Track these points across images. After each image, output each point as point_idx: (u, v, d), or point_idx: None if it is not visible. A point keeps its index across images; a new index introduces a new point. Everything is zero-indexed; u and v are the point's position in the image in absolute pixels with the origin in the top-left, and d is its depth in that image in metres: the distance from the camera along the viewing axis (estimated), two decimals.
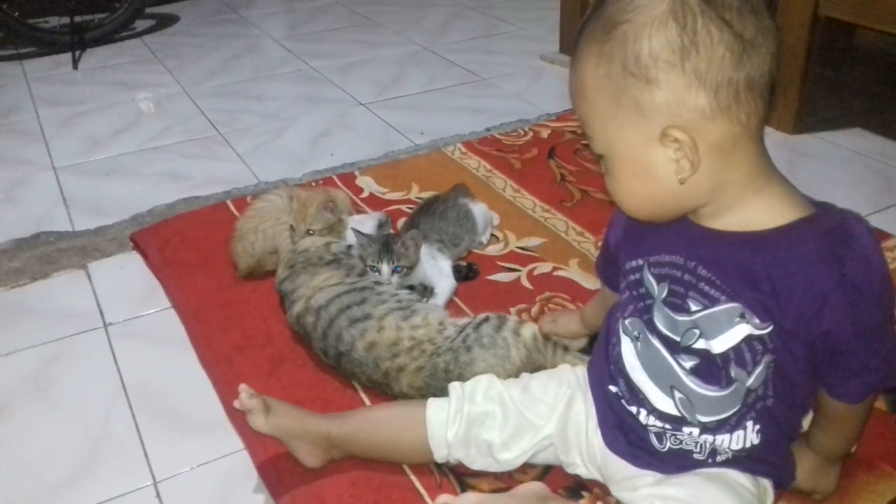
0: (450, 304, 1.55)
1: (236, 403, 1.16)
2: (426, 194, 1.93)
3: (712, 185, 0.84)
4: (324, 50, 3.16)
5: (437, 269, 1.59)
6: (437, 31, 3.32)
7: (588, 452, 1.10)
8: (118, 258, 1.80)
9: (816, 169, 2.06)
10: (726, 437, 0.96)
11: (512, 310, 1.52)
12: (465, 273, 1.64)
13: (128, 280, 1.72)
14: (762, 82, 0.79)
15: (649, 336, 0.97)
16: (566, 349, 1.33)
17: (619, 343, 1.02)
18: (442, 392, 1.26)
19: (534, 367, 1.31)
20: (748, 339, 0.88)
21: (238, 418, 1.31)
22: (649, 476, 1.02)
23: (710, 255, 0.88)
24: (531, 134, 2.27)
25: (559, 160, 2.11)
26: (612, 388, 1.04)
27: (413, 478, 1.18)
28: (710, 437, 0.97)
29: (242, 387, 1.15)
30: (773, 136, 2.19)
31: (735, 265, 0.86)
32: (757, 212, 0.85)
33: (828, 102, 2.37)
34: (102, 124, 2.54)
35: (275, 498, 1.17)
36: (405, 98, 2.66)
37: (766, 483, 1.02)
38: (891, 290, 0.87)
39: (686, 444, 0.98)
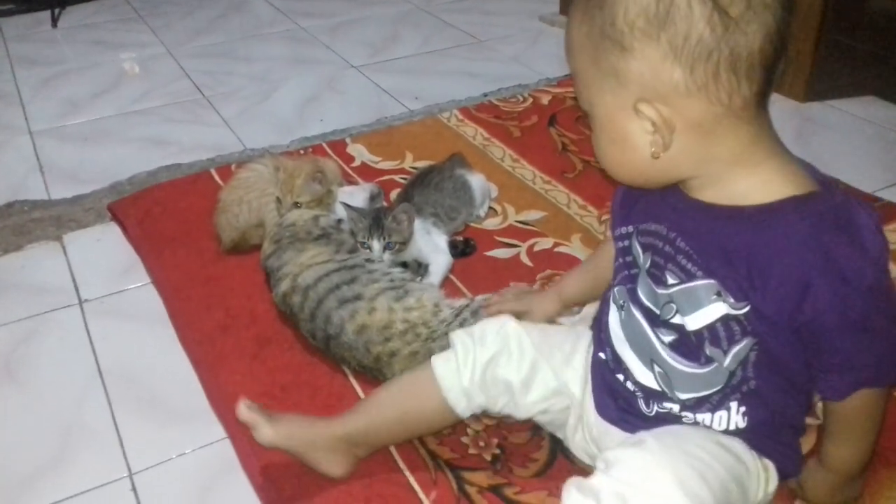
0: (445, 282, 1.47)
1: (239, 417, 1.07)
2: (421, 164, 1.83)
3: (694, 161, 0.79)
4: (314, 8, 3.03)
5: (432, 244, 1.50)
6: None
7: (587, 422, 1.04)
8: (95, 229, 1.71)
9: (827, 138, 1.97)
10: (707, 416, 0.92)
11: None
12: (462, 249, 1.55)
13: (105, 253, 1.63)
14: (749, 62, 0.72)
15: (632, 307, 0.93)
16: None
17: (608, 311, 0.99)
18: None
19: None
20: (725, 319, 0.84)
21: (220, 405, 1.24)
22: None
23: (691, 228, 0.84)
24: (531, 100, 2.17)
25: (560, 128, 2.02)
26: (601, 355, 1.01)
27: (407, 473, 1.11)
28: (689, 415, 0.93)
29: (242, 401, 1.07)
30: (782, 105, 2.10)
31: (713, 240, 0.82)
32: (748, 187, 0.80)
33: (839, 70, 2.27)
34: (82, 86, 2.43)
35: (259, 492, 1.10)
36: (399, 60, 2.55)
37: (769, 464, 0.95)
38: (889, 284, 0.80)
39: (672, 411, 0.94)
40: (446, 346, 1.18)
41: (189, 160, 1.95)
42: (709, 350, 0.86)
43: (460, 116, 2.09)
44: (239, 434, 1.18)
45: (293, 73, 2.49)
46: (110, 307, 1.48)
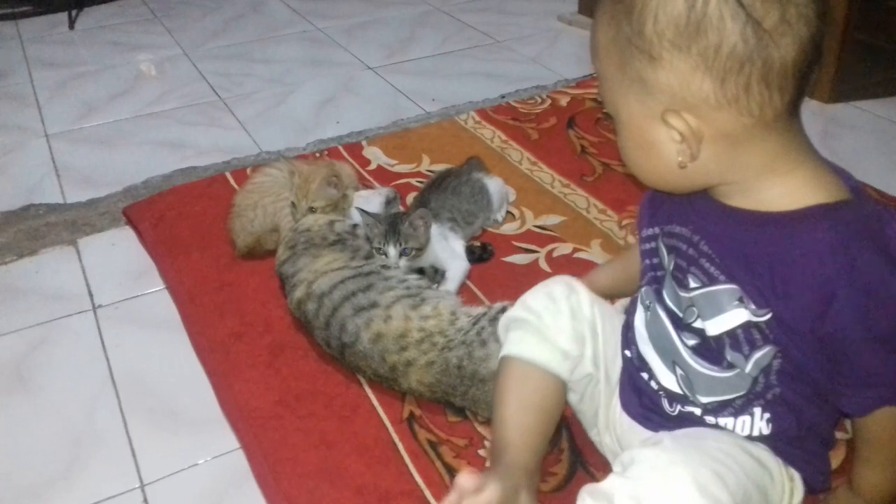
0: (462, 289, 1.44)
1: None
2: (437, 167, 1.81)
3: (723, 170, 0.77)
4: (330, 9, 3.01)
5: (448, 250, 1.48)
6: None
7: (610, 418, 1.03)
8: (110, 234, 1.69)
9: (853, 140, 1.93)
10: (730, 420, 0.89)
11: None
12: (479, 254, 1.52)
13: (119, 258, 1.62)
14: (782, 74, 0.69)
15: (658, 308, 0.91)
16: None
17: (635, 311, 0.97)
18: (454, 389, 1.16)
19: None
20: (746, 326, 0.81)
21: (233, 414, 1.22)
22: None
23: (716, 232, 0.82)
24: (549, 101, 2.14)
25: (579, 130, 1.98)
26: (627, 353, 1.00)
27: (423, 487, 1.08)
28: (711, 419, 0.90)
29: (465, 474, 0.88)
30: (807, 105, 2.06)
31: (737, 245, 0.80)
32: (777, 194, 0.77)
33: (865, 70, 2.23)
34: (98, 88, 2.42)
35: None
36: (415, 62, 2.53)
37: (795, 474, 0.92)
38: None
39: (694, 414, 0.92)
40: (463, 357, 1.17)
41: (205, 163, 1.93)
42: (729, 356, 0.84)
43: (477, 118, 2.06)
44: (252, 444, 1.16)
45: (309, 74, 2.47)
46: (124, 313, 1.47)
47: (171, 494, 1.12)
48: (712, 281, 0.82)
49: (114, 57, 2.66)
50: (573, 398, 1.06)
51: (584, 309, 1.03)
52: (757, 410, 0.88)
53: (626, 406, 0.99)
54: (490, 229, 1.61)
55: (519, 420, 0.99)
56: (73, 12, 2.96)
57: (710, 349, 0.86)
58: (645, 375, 0.96)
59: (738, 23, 0.67)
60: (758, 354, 0.83)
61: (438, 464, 1.12)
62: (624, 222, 1.61)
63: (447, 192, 1.55)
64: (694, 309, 0.86)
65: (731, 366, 0.85)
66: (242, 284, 1.49)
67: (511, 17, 2.86)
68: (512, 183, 1.74)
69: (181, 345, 1.38)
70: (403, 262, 1.40)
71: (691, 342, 0.88)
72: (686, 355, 0.88)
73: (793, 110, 0.74)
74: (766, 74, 0.69)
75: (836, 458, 1.08)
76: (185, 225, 1.66)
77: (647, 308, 0.94)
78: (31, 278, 1.57)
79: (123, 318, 1.45)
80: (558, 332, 1.01)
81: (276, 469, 1.12)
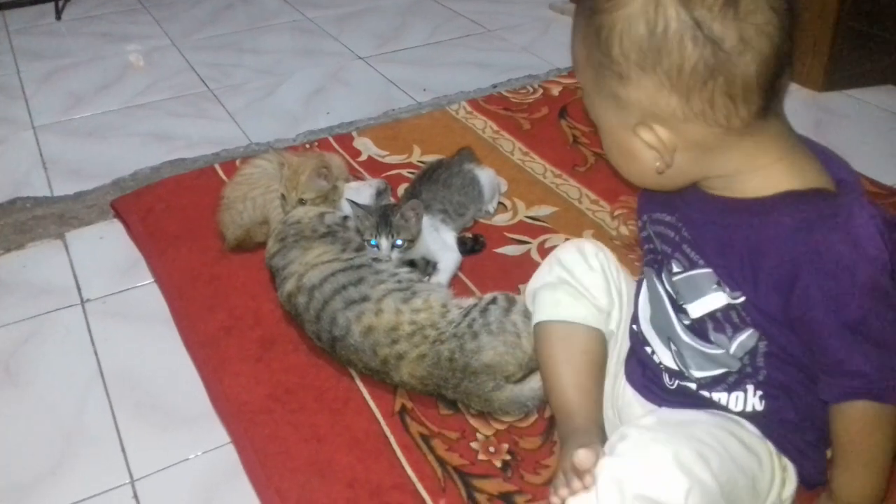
0: (454, 280, 1.43)
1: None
2: (429, 158, 1.80)
3: (702, 170, 0.81)
4: None
5: (440, 241, 1.47)
6: None
7: (616, 390, 1.05)
8: (98, 227, 1.68)
9: (845, 128, 1.92)
10: (724, 395, 0.91)
11: (521, 287, 1.40)
12: (471, 246, 1.51)
13: (108, 251, 1.60)
14: (744, 87, 0.72)
15: (658, 287, 0.94)
16: None
17: (640, 291, 1.01)
18: (446, 382, 1.16)
19: None
20: (726, 309, 0.84)
21: (223, 409, 1.21)
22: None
23: (696, 218, 0.86)
24: (541, 91, 2.13)
25: (571, 120, 1.97)
26: (634, 327, 1.03)
27: (415, 480, 1.08)
28: (706, 394, 0.93)
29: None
30: (800, 94, 2.05)
31: (713, 230, 0.84)
32: (755, 184, 0.80)
33: (858, 58, 2.22)
34: (86, 79, 2.39)
35: (262, 499, 1.07)
36: (406, 51, 2.51)
37: (788, 464, 0.92)
38: (891, 292, 0.76)
39: (690, 389, 0.94)
40: (455, 349, 1.16)
41: (193, 155, 1.91)
42: (713, 337, 0.87)
43: (469, 108, 2.05)
44: (243, 439, 1.15)
45: (299, 65, 2.44)
46: (112, 307, 1.45)
47: (162, 489, 1.11)
48: (692, 265, 0.86)
49: (101, 48, 2.63)
50: None
51: (613, 269, 1.07)
52: (750, 388, 0.90)
53: (630, 377, 1.02)
54: (482, 220, 1.60)
55: (576, 382, 1.01)
56: (60, 3, 2.93)
57: (698, 329, 0.89)
58: (648, 349, 0.98)
59: (697, 44, 0.70)
60: (741, 337, 0.85)
61: (430, 457, 1.11)
62: (616, 212, 1.60)
63: (438, 183, 1.54)
64: (680, 292, 0.89)
65: (718, 345, 0.88)
66: (232, 277, 1.48)
67: (502, 6, 2.84)
68: (504, 174, 1.73)
69: (170, 339, 1.36)
70: (395, 255, 1.39)
71: (686, 321, 0.90)
72: (680, 331, 0.91)
73: (765, 115, 0.76)
74: (728, 89, 0.72)
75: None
76: (174, 217, 1.65)
77: (648, 288, 0.97)
78: (19, 272, 1.56)
79: (112, 312, 1.44)
80: (592, 286, 1.05)
81: (266, 463, 1.11)
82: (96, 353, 1.35)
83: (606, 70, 0.76)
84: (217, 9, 2.94)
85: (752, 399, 0.90)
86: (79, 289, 1.50)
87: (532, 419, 1.16)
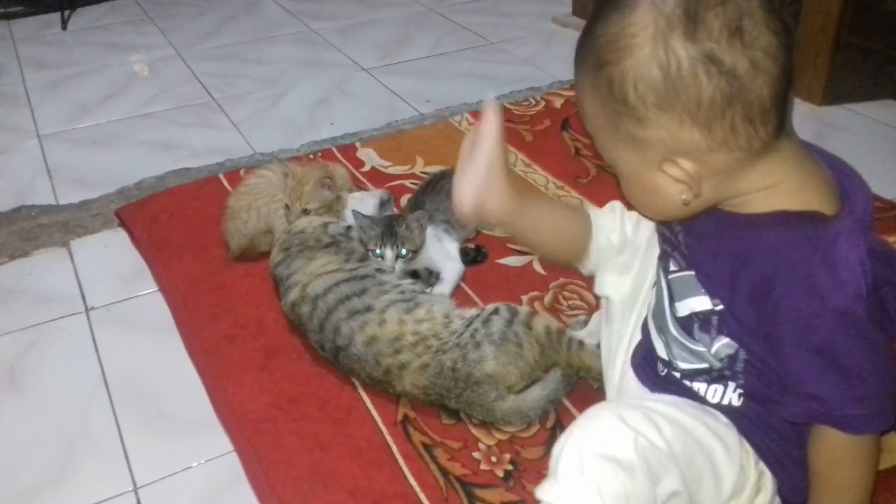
0: (456, 290, 1.44)
1: None
2: (432, 169, 1.81)
3: (720, 196, 0.82)
4: (325, 10, 3.01)
5: (443, 252, 1.47)
6: None
7: (622, 374, 1.07)
8: (102, 235, 1.69)
9: (845, 142, 1.93)
10: (703, 385, 0.94)
11: (523, 297, 1.42)
12: (473, 256, 1.52)
13: (112, 260, 1.61)
14: (762, 109, 0.74)
15: (662, 280, 0.97)
16: (581, 344, 1.22)
17: (656, 280, 1.03)
18: (448, 392, 1.17)
19: (547, 363, 1.21)
20: (709, 313, 0.88)
21: (227, 417, 1.22)
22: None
23: (695, 227, 0.87)
24: (543, 103, 2.14)
25: (573, 132, 1.99)
26: (647, 316, 1.05)
27: (418, 489, 1.08)
28: (688, 383, 0.95)
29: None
30: (800, 108, 2.06)
31: (707, 239, 0.86)
32: (759, 201, 0.81)
33: (857, 73, 2.24)
34: (91, 89, 2.41)
35: None
36: (409, 63, 2.53)
37: (765, 470, 0.92)
38: (866, 324, 0.77)
39: (676, 378, 0.97)
40: (458, 359, 1.17)
41: (198, 165, 1.93)
42: (697, 335, 0.91)
43: (472, 120, 2.06)
44: (246, 447, 1.16)
45: (303, 75, 2.46)
46: (117, 315, 1.46)
47: (165, 497, 1.12)
48: (686, 267, 0.90)
49: (107, 57, 2.65)
50: (615, 312, 1.09)
51: (642, 231, 1.09)
52: (731, 385, 0.92)
53: (634, 360, 1.04)
54: (484, 231, 1.61)
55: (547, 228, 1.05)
56: (66, 12, 2.96)
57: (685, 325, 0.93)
58: (649, 337, 1.01)
59: (711, 77, 0.72)
60: (718, 343, 0.88)
61: (433, 466, 1.11)
62: None
63: (441, 194, 1.55)
64: (674, 289, 0.93)
65: (701, 343, 0.91)
66: (236, 286, 1.48)
67: (505, 19, 2.86)
68: None
69: (174, 347, 1.37)
70: (399, 265, 1.39)
71: (678, 315, 0.93)
72: (671, 324, 0.94)
73: (779, 133, 0.77)
74: (747, 114, 0.74)
75: None
76: (179, 227, 1.66)
77: (657, 280, 0.99)
78: (24, 280, 1.57)
79: (116, 320, 1.45)
80: (613, 223, 1.09)
81: (269, 472, 1.12)
82: (100, 361, 1.35)
83: (623, 117, 0.77)
84: (221, 20, 2.96)
85: (730, 394, 0.92)
86: (83, 297, 1.51)
87: (534, 429, 1.17)
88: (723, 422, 0.91)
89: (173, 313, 1.44)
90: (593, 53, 0.77)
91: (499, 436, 1.16)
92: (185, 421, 1.23)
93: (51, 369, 1.34)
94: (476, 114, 2.07)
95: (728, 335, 0.86)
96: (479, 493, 1.08)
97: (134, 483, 1.14)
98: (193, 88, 2.39)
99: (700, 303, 0.88)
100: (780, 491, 0.94)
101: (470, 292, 1.45)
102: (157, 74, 2.52)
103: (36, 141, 2.10)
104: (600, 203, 1.65)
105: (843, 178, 0.83)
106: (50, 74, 2.52)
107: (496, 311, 1.25)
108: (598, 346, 1.21)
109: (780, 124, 0.76)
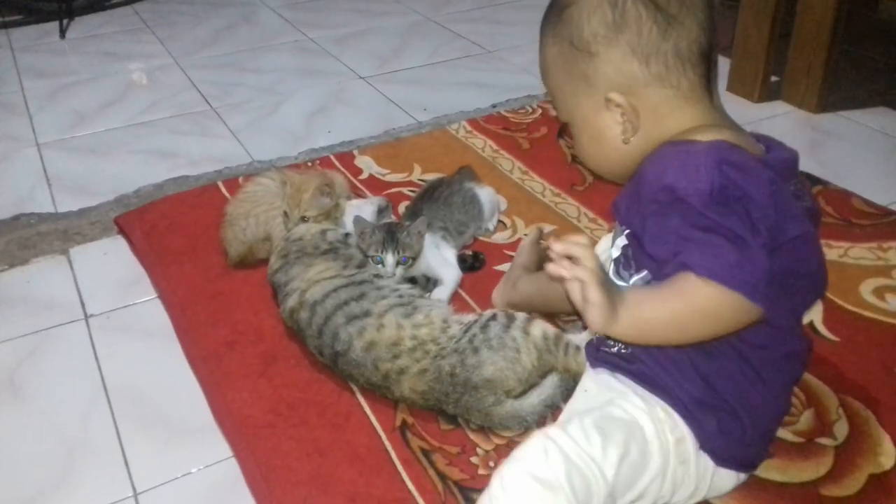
0: (454, 297, 1.45)
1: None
2: (429, 176, 1.82)
3: (653, 142, 0.93)
4: (322, 19, 3.02)
5: (440, 259, 1.48)
6: (441, 0, 3.18)
7: None
8: (102, 243, 1.69)
9: (840, 150, 1.93)
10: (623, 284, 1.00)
11: None
12: (471, 263, 1.53)
13: (111, 267, 1.62)
14: (690, 51, 0.90)
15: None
16: (578, 349, 1.23)
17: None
18: (446, 397, 1.17)
19: (544, 369, 1.22)
20: (626, 248, 0.96)
21: (226, 423, 1.22)
22: None
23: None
24: (540, 111, 2.16)
25: (570, 140, 1.99)
26: None
27: (416, 494, 1.09)
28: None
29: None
30: (795, 115, 2.08)
31: (632, 184, 0.96)
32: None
33: (851, 80, 2.26)
34: (89, 97, 2.42)
35: None
36: (407, 71, 2.54)
37: (670, 409, 0.95)
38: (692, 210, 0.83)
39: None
40: (456, 364, 1.18)
41: (196, 172, 1.94)
42: (621, 273, 0.98)
43: (469, 128, 2.07)
44: (245, 453, 1.16)
45: (301, 84, 2.47)
46: (116, 322, 1.47)
47: (165, 503, 1.12)
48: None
49: (105, 66, 2.66)
50: None
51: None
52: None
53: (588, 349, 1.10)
54: (481, 238, 1.62)
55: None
56: (64, 21, 2.97)
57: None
58: None
59: (650, 12, 0.89)
60: (636, 277, 0.95)
61: (431, 471, 1.12)
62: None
63: (439, 201, 1.56)
64: (615, 240, 1.02)
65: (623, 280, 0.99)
66: (235, 293, 1.49)
67: (502, 27, 2.88)
68: (503, 192, 1.75)
69: (173, 354, 1.38)
70: (399, 271, 1.40)
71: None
72: (611, 272, 1.00)
73: (706, 85, 0.92)
74: (678, 52, 0.89)
75: (823, 466, 1.09)
76: (177, 234, 1.66)
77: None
78: (23, 288, 1.57)
79: (115, 327, 1.46)
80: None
81: (269, 477, 1.12)
82: (100, 368, 1.36)
83: (578, 53, 0.92)
84: (219, 28, 2.98)
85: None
86: (82, 304, 1.51)
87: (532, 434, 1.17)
88: (638, 405, 0.96)
89: (172, 320, 1.45)
90: (556, 6, 0.95)
91: (497, 440, 1.16)
92: (185, 427, 1.24)
93: (50, 376, 1.35)
94: (473, 122, 2.09)
95: (646, 267, 0.93)
96: (477, 497, 1.07)
97: (134, 489, 1.14)
98: (192, 97, 2.40)
99: (621, 241, 0.97)
100: (706, 448, 0.95)
101: (468, 298, 1.45)
102: (156, 83, 2.53)
103: (35, 149, 2.11)
104: (596, 209, 1.68)
105: (768, 143, 0.95)
106: (48, 83, 2.53)
107: (494, 317, 1.25)
108: None
109: (707, 77, 0.92)
